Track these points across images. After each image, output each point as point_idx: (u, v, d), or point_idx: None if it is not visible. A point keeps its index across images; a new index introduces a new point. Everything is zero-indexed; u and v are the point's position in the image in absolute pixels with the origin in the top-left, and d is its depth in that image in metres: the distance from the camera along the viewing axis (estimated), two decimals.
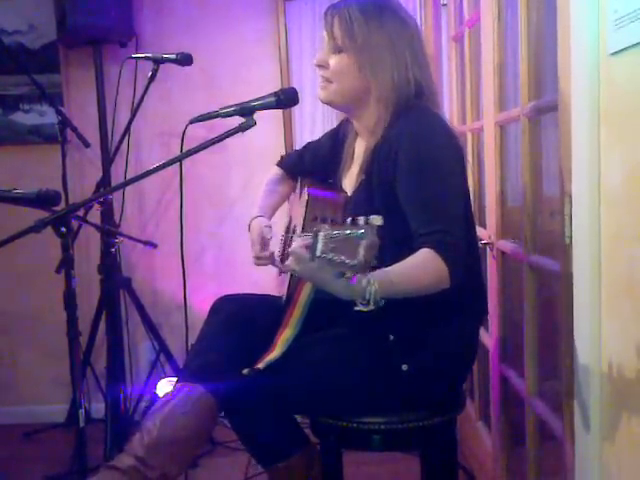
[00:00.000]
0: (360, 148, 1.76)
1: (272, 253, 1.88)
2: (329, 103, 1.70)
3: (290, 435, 1.74)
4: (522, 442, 1.92)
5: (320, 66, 1.67)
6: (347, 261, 1.17)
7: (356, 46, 1.60)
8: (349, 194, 1.75)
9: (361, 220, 1.19)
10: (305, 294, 1.71)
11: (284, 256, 1.96)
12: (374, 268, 1.34)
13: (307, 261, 1.23)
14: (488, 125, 2.17)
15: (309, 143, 2.03)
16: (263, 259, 1.86)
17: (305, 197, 1.83)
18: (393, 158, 1.57)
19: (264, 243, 1.85)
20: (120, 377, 2.88)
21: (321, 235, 1.18)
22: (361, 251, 1.17)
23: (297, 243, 1.31)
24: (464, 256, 1.51)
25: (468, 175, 2.52)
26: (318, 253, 1.18)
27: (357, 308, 1.33)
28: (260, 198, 1.99)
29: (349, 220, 1.20)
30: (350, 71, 1.63)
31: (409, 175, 1.55)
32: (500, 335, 2.18)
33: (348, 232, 1.18)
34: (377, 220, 1.19)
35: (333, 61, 1.64)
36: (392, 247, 1.53)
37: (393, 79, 1.61)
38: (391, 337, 1.62)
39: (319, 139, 2.00)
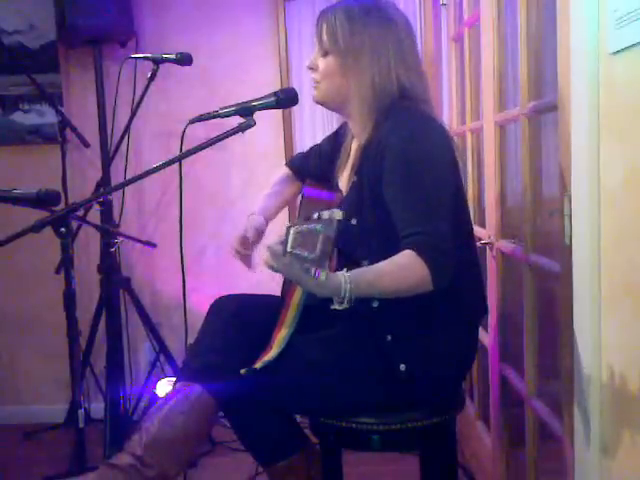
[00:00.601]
0: (355, 149, 1.77)
1: (249, 255, 1.89)
2: (321, 103, 1.74)
3: (289, 435, 1.75)
4: (522, 442, 1.92)
5: (311, 69, 1.71)
6: (307, 255, 1.21)
7: (339, 49, 1.64)
8: (344, 194, 1.75)
9: (325, 214, 1.23)
10: (298, 293, 1.71)
11: None
12: (356, 264, 1.34)
13: (280, 257, 1.26)
14: (488, 125, 2.17)
15: (313, 147, 2.04)
16: (238, 253, 1.88)
17: (300, 197, 1.84)
18: (380, 158, 1.58)
19: (244, 240, 1.87)
20: (120, 377, 2.88)
21: (292, 230, 1.23)
22: (318, 245, 1.21)
23: (274, 239, 1.33)
24: (450, 259, 1.48)
25: (468, 175, 2.54)
26: (289, 248, 1.22)
27: (333, 307, 1.34)
28: (263, 197, 1.99)
29: (316, 215, 1.24)
30: (335, 73, 1.66)
31: (394, 175, 1.55)
32: (500, 335, 2.18)
33: (312, 227, 1.22)
34: (337, 214, 1.23)
35: (321, 64, 1.68)
36: (383, 246, 1.54)
37: (373, 80, 1.63)
38: (388, 337, 1.62)
39: (321, 142, 2.01)
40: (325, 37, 1.66)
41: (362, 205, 1.63)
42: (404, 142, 1.56)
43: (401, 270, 1.45)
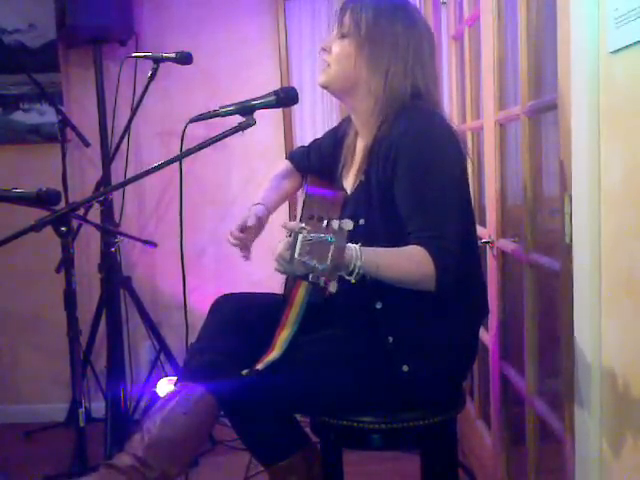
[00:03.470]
0: (360, 147, 1.76)
1: (246, 239, 1.82)
2: (326, 87, 1.71)
3: (290, 434, 1.74)
4: (522, 441, 1.92)
5: (324, 50, 1.69)
6: (317, 265, 1.22)
7: (359, 35, 1.62)
8: (349, 193, 1.75)
9: (335, 224, 1.24)
10: (301, 294, 1.71)
11: None
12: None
13: (287, 261, 1.27)
14: (488, 124, 2.17)
15: (314, 141, 2.01)
16: (235, 239, 1.80)
17: (303, 195, 1.83)
18: (392, 160, 1.57)
19: (244, 229, 1.81)
20: (120, 376, 2.88)
21: (300, 237, 1.23)
22: (329, 256, 1.22)
23: (282, 243, 1.34)
24: (456, 264, 1.50)
25: (468, 175, 2.54)
26: (296, 255, 1.23)
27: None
28: (264, 190, 1.95)
29: (325, 223, 1.25)
30: (349, 58, 1.64)
31: (407, 178, 1.55)
32: (500, 334, 2.18)
33: (322, 236, 1.23)
34: (348, 225, 1.24)
35: (336, 46, 1.67)
36: (390, 246, 1.54)
37: (387, 76, 1.62)
38: (390, 339, 1.62)
39: (322, 137, 1.99)
40: (347, 21, 1.64)
41: (370, 205, 1.62)
42: (417, 145, 1.56)
43: (409, 262, 1.48)
